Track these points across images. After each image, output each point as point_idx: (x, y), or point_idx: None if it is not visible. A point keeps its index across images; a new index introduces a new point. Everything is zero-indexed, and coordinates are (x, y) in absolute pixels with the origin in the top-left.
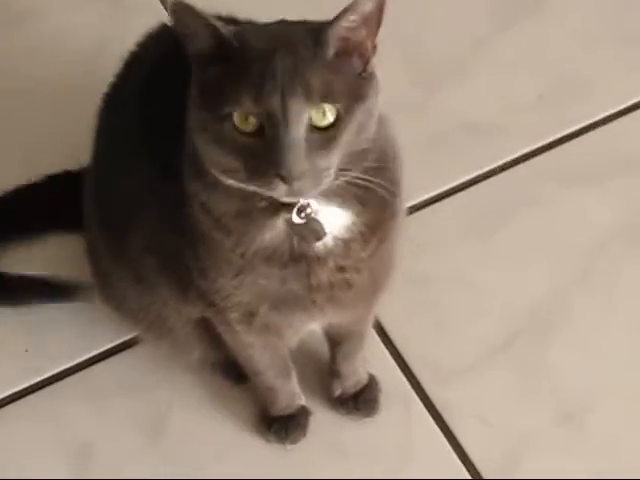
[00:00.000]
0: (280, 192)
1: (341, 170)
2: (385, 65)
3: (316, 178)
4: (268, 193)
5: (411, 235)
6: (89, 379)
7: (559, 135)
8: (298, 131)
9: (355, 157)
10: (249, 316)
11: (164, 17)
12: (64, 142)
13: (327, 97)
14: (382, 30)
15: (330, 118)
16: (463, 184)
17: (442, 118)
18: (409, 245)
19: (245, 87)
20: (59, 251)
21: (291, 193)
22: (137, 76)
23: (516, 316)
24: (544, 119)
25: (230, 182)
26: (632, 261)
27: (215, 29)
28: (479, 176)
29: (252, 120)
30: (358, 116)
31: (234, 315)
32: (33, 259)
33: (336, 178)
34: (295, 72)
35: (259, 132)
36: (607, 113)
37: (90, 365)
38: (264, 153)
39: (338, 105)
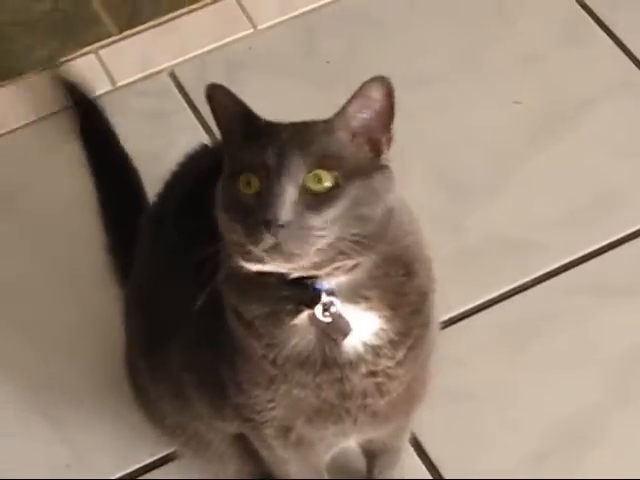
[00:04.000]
0: (267, 242)
1: (343, 253)
2: (419, 180)
3: (303, 235)
4: (256, 249)
5: (445, 349)
6: None
7: (590, 249)
8: (289, 184)
9: (358, 243)
10: (285, 431)
11: (203, 135)
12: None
13: (325, 164)
14: (416, 144)
15: (327, 184)
16: (496, 298)
17: (476, 232)
18: (443, 359)
19: (251, 147)
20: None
21: (277, 246)
22: (177, 196)
23: (552, 430)
24: (577, 233)
25: (244, 262)
26: None
27: (244, 107)
28: (512, 290)
29: (254, 183)
30: (359, 190)
31: (269, 431)
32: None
33: (334, 257)
34: (297, 138)
35: (259, 193)
36: (637, 227)
37: None
38: (257, 206)
39: (336, 173)
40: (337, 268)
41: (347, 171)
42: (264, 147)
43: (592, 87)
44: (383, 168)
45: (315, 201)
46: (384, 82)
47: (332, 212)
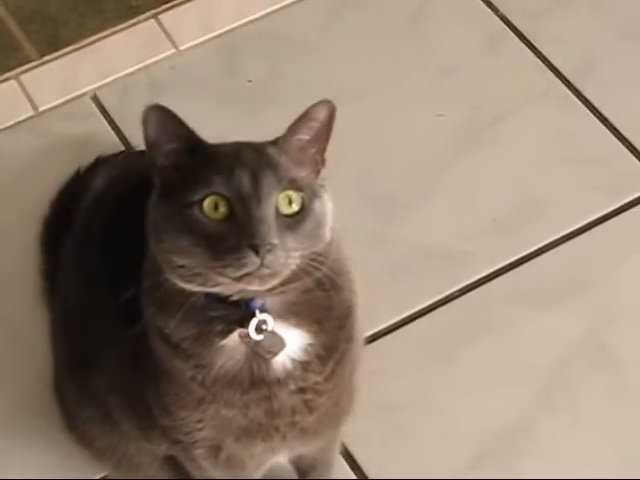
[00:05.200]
0: (252, 266)
1: (303, 271)
2: (343, 194)
3: (286, 257)
4: (236, 273)
5: (374, 362)
6: None
7: (515, 258)
8: (269, 207)
9: (314, 261)
10: (214, 451)
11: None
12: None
13: (294, 184)
14: (339, 160)
15: (295, 207)
16: (423, 310)
17: (400, 245)
18: (372, 372)
19: (216, 172)
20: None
21: (262, 270)
22: (101, 216)
23: (481, 439)
24: (500, 243)
25: (185, 284)
26: (591, 378)
27: (187, 128)
28: (438, 301)
29: (222, 207)
30: (318, 210)
31: (199, 451)
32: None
33: (295, 277)
34: (262, 161)
35: (228, 217)
36: (560, 234)
37: None
38: (235, 232)
39: (303, 194)
40: (289, 289)
41: (307, 191)
42: (234, 170)
43: (514, 97)
44: (322, 187)
45: (289, 223)
46: (330, 106)
47: (303, 232)
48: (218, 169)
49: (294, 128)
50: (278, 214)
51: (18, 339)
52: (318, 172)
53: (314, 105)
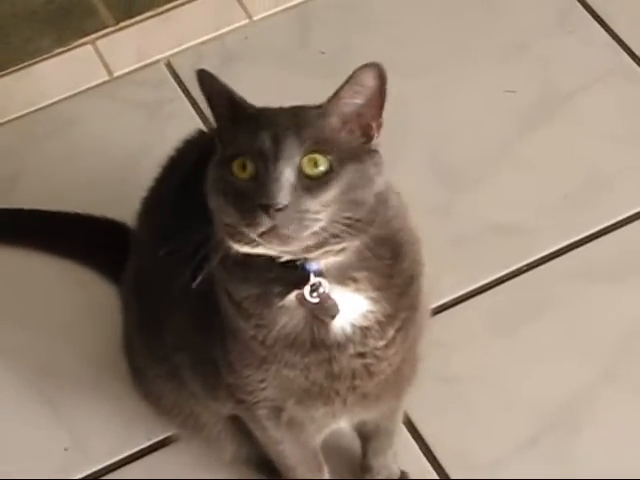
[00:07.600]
0: (264, 225)
1: (335, 236)
2: (411, 166)
3: (300, 220)
4: (253, 232)
5: (438, 333)
6: (127, 477)
7: (584, 234)
8: (286, 168)
9: (350, 226)
10: (277, 412)
11: (200, 124)
12: None
13: (320, 147)
14: (409, 132)
15: (322, 168)
16: (489, 283)
17: (468, 218)
18: (436, 343)
19: (244, 133)
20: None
21: (274, 230)
22: (173, 179)
23: (543, 412)
24: (569, 218)
25: (234, 243)
26: None
27: (229, 92)
28: (505, 275)
29: (249, 167)
30: (352, 174)
31: (262, 412)
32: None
33: (326, 240)
34: (291, 123)
35: (254, 177)
36: (631, 212)
37: (128, 463)
38: (254, 190)
39: (330, 157)
40: (327, 251)
41: (341, 155)
42: (259, 131)
43: (584, 75)
44: (373, 153)
45: (311, 185)
46: (376, 68)
47: (327, 195)
48: (247, 130)
49: (339, 91)
50: (302, 175)
51: (90, 297)
52: (370, 137)
53: (360, 68)
